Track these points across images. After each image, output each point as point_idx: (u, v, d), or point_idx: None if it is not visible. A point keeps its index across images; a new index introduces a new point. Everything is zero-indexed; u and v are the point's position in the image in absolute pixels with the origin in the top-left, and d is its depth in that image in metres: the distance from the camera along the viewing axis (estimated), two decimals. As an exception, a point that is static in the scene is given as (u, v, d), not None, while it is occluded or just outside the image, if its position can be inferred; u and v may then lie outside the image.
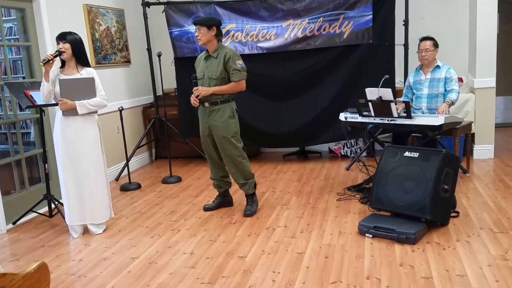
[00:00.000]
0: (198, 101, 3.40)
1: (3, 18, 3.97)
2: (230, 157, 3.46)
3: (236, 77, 3.37)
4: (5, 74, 4.23)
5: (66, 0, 4.29)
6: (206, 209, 3.70)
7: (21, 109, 3.84)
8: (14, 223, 3.63)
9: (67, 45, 3.16)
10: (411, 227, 2.82)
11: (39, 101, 3.45)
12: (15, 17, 4.22)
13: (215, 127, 3.43)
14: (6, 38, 4.20)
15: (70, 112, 3.18)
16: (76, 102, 3.17)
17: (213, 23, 3.35)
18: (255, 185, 3.62)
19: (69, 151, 3.22)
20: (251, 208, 3.55)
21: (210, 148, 3.56)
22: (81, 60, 3.26)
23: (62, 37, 3.18)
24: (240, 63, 3.37)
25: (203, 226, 3.36)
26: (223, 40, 4.88)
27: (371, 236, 2.92)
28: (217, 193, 3.78)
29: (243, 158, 3.50)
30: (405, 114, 3.46)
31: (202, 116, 3.50)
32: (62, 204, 3.43)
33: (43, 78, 3.13)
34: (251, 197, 3.60)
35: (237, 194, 3.99)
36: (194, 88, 3.39)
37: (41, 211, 3.76)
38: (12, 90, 3.59)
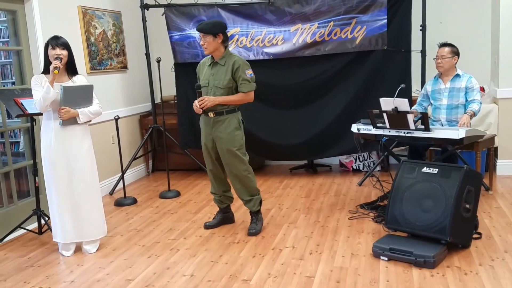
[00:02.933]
0: (201, 110, 3.41)
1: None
2: (235, 171, 3.47)
3: (245, 88, 3.39)
4: (-6, 80, 4.29)
5: (60, 2, 4.35)
6: (207, 226, 3.71)
7: (9, 117, 3.88)
8: (0, 240, 3.65)
9: (65, 52, 3.20)
10: (429, 250, 2.82)
11: (30, 109, 3.48)
12: (5, 18, 4.28)
13: (219, 139, 3.44)
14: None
15: (69, 121, 3.21)
16: (78, 110, 3.21)
17: (218, 30, 3.35)
18: (261, 201, 3.62)
19: (69, 163, 3.23)
20: (256, 226, 3.55)
21: (212, 161, 3.57)
22: (72, 66, 3.30)
23: (59, 42, 3.19)
24: (250, 73, 3.40)
25: (204, 246, 3.37)
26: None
27: (386, 259, 2.91)
28: (218, 209, 3.79)
29: (249, 173, 3.51)
30: (422, 127, 3.47)
31: (205, 127, 3.51)
32: (49, 218, 3.44)
33: (47, 85, 3.08)
34: (256, 215, 3.60)
35: (240, 210, 3.99)
36: (199, 98, 3.38)
37: (30, 227, 3.77)
38: (1, 97, 3.62)
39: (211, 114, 3.44)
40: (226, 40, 3.41)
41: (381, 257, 2.93)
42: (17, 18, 3.95)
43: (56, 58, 3.14)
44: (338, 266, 2.90)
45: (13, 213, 3.83)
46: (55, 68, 3.09)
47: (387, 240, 3.03)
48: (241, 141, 3.47)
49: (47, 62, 3.22)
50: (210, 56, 3.48)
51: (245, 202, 3.58)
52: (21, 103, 3.53)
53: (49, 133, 3.23)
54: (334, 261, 2.97)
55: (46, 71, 3.24)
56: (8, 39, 4.47)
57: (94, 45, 4.82)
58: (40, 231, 3.72)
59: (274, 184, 4.95)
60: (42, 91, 3.09)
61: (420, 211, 3.01)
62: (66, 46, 3.21)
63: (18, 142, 4.91)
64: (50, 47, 3.19)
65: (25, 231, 3.76)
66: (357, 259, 2.97)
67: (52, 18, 4.21)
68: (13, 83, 4.42)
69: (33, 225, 3.78)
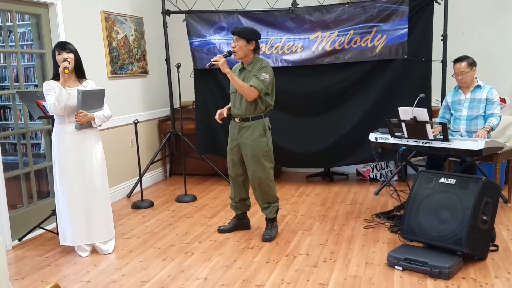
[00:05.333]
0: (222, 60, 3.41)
1: (17, 22, 4.17)
2: (256, 178, 3.51)
3: (253, 82, 3.38)
4: (17, 82, 4.45)
5: (83, 7, 4.50)
6: (221, 230, 3.77)
7: (31, 119, 4.02)
8: (20, 239, 3.77)
9: (72, 55, 3.30)
10: (445, 261, 2.82)
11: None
12: (29, 22, 4.45)
13: (244, 145, 3.49)
14: (19, 44, 4.39)
15: (84, 125, 3.32)
16: (94, 114, 3.33)
17: (253, 37, 3.41)
18: (277, 210, 3.67)
19: (83, 166, 3.34)
20: (271, 232, 3.60)
21: (235, 167, 3.61)
22: (81, 71, 3.41)
23: (64, 47, 3.29)
24: (266, 76, 3.39)
25: (218, 250, 3.43)
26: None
27: (401, 268, 2.93)
28: (233, 215, 3.85)
29: (270, 181, 3.54)
30: (441, 137, 3.48)
31: (232, 132, 3.58)
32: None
33: (59, 87, 3.21)
34: (271, 222, 3.65)
35: (256, 216, 4.05)
36: (217, 57, 3.41)
37: (49, 227, 3.89)
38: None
39: (237, 120, 3.51)
40: (257, 48, 3.48)
41: (396, 267, 2.95)
42: (41, 22, 4.10)
43: (64, 61, 3.24)
44: (352, 274, 2.92)
45: (32, 213, 3.95)
46: (65, 68, 3.19)
47: (403, 250, 3.04)
48: (265, 147, 3.48)
49: (56, 68, 3.31)
50: (240, 62, 3.54)
51: (263, 208, 3.63)
52: (43, 105, 3.65)
53: (64, 136, 3.32)
54: (348, 269, 3.00)
55: (56, 76, 3.34)
56: (31, 42, 4.64)
57: (115, 50, 4.96)
58: (57, 230, 3.83)
59: (290, 191, 4.99)
60: (55, 94, 3.20)
61: (436, 221, 3.01)
62: (72, 50, 3.31)
63: (39, 144, 5.07)
64: (56, 53, 3.29)
65: (44, 230, 3.88)
66: (372, 268, 2.99)
67: (75, 23, 4.36)
68: (35, 86, 4.58)
69: (52, 225, 3.90)
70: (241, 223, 3.82)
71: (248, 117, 3.46)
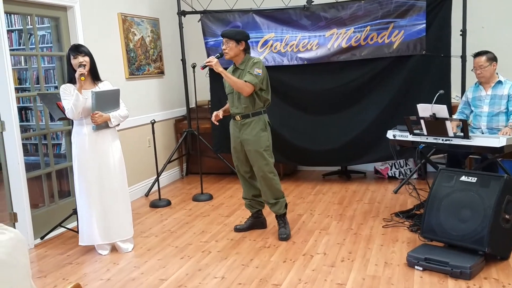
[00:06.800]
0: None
1: (37, 26, 4.23)
2: (261, 173, 3.54)
3: (247, 77, 3.43)
4: (38, 84, 4.52)
5: (101, 9, 4.54)
6: (237, 229, 3.78)
7: (52, 120, 4.08)
8: (42, 237, 3.84)
9: (87, 58, 3.33)
10: (466, 260, 2.76)
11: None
12: (49, 25, 4.51)
13: (247, 141, 3.53)
14: (39, 46, 4.45)
15: (101, 125, 3.35)
16: (109, 114, 3.35)
17: (242, 37, 3.49)
18: (286, 205, 3.67)
19: (101, 166, 3.38)
20: (286, 230, 3.59)
21: (241, 165, 3.66)
22: (96, 73, 3.43)
23: (79, 50, 3.31)
24: (258, 71, 3.44)
25: (235, 249, 3.42)
26: (261, 50, 5.04)
27: (421, 268, 2.88)
28: (250, 214, 3.84)
29: (274, 175, 3.58)
30: (461, 134, 3.41)
31: (234, 131, 3.63)
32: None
33: (76, 92, 3.23)
34: (282, 218, 3.65)
35: (272, 215, 4.01)
36: (209, 58, 3.52)
37: (70, 226, 3.95)
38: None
39: (237, 118, 3.55)
40: (247, 49, 3.56)
41: (416, 267, 2.90)
42: (60, 24, 4.15)
43: (80, 66, 3.26)
44: (371, 274, 2.88)
45: (54, 212, 4.02)
46: (81, 75, 3.22)
47: (423, 250, 2.99)
48: (267, 142, 3.54)
49: (71, 72, 3.34)
50: (232, 64, 3.60)
51: (271, 206, 3.63)
52: (63, 107, 3.70)
53: (82, 138, 3.36)
54: (366, 269, 2.96)
55: (71, 80, 3.36)
56: (51, 45, 4.71)
57: (132, 51, 4.99)
58: (78, 230, 3.88)
59: (306, 189, 4.95)
60: (72, 99, 3.22)
61: (457, 220, 2.95)
62: (87, 53, 3.34)
63: (60, 144, 5.15)
64: (71, 57, 3.30)
65: (65, 229, 3.94)
66: (391, 268, 2.94)
67: (93, 25, 4.41)
68: (56, 87, 4.65)
69: (73, 224, 3.95)
70: (257, 222, 3.81)
71: (248, 113, 3.52)
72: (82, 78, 3.23)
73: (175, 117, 5.82)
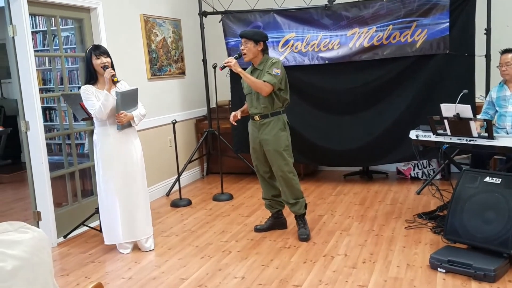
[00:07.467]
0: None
1: (60, 27, 4.31)
2: (280, 173, 3.53)
3: (266, 77, 3.43)
4: (61, 84, 4.62)
5: (123, 11, 4.61)
6: (257, 229, 3.78)
7: (75, 120, 4.16)
8: (65, 236, 3.91)
9: (109, 60, 3.39)
10: (490, 263, 2.71)
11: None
12: (72, 26, 4.60)
13: (266, 141, 3.53)
14: (63, 47, 4.54)
15: (125, 125, 3.40)
16: (133, 113, 3.40)
17: (260, 38, 3.50)
18: (306, 205, 3.66)
19: (125, 165, 3.42)
20: (306, 231, 3.58)
21: (261, 165, 3.66)
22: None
23: (101, 51, 3.36)
24: (277, 71, 3.44)
25: (255, 249, 3.43)
26: (282, 50, 5.03)
27: (444, 271, 2.83)
28: (270, 214, 3.84)
29: (294, 175, 3.57)
30: (486, 134, 3.34)
31: (252, 131, 3.63)
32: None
33: (105, 92, 3.28)
34: (302, 219, 3.64)
35: (292, 216, 4.01)
36: (228, 58, 3.54)
37: (92, 225, 4.01)
38: (69, 101, 3.90)
39: (257, 118, 3.55)
40: (266, 49, 3.56)
41: (439, 269, 2.85)
42: (83, 26, 4.23)
43: (104, 67, 3.31)
44: (393, 276, 2.85)
45: (77, 211, 4.09)
46: (113, 75, 3.28)
47: (446, 252, 2.94)
48: (286, 141, 3.54)
49: (92, 72, 3.37)
50: (250, 65, 3.60)
51: (291, 206, 3.62)
52: (87, 107, 3.77)
53: (107, 138, 3.40)
54: (388, 271, 2.93)
55: (90, 80, 3.39)
56: (75, 46, 4.80)
57: (154, 52, 5.05)
58: (101, 229, 3.94)
59: (327, 190, 4.92)
60: (101, 99, 3.27)
61: (481, 222, 2.90)
62: (108, 53, 3.40)
63: (83, 144, 5.24)
64: (94, 57, 3.34)
65: (87, 228, 4.00)
66: (413, 270, 2.90)
67: (116, 26, 4.47)
68: (79, 88, 4.73)
69: (95, 223, 4.02)
70: (277, 222, 3.81)
71: (267, 113, 3.51)
72: (116, 78, 3.30)
73: (195, 117, 5.87)
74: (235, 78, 5.30)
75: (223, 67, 3.58)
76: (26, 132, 3.71)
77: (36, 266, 1.12)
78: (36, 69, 3.73)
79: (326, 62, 4.95)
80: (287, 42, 5.02)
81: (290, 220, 3.88)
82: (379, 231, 3.63)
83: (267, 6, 5.18)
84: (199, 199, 4.89)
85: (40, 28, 5.84)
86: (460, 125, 3.38)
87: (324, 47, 4.94)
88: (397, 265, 3.00)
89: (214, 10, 5.32)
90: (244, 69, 3.57)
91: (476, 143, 3.36)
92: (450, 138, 3.48)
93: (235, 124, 3.73)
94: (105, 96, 3.27)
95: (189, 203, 4.71)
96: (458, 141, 3.44)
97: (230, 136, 5.42)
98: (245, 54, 3.50)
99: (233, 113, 3.68)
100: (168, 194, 5.12)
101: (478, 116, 4.04)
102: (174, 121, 4.69)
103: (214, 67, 4.72)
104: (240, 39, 3.56)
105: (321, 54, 4.96)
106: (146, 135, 4.67)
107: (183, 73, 5.61)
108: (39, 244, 1.14)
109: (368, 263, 3.07)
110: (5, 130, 6.67)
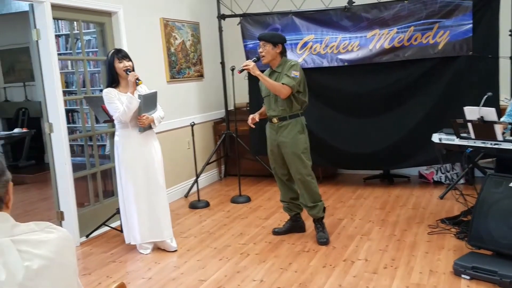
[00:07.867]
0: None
1: (83, 31, 4.37)
2: (299, 176, 3.51)
3: (284, 80, 3.42)
4: (84, 87, 4.68)
5: (143, 15, 4.65)
6: (276, 232, 3.76)
7: (97, 122, 4.21)
8: (87, 236, 3.96)
9: (131, 63, 3.42)
10: (517, 271, 2.63)
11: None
12: (94, 30, 4.67)
13: (284, 143, 3.51)
14: (85, 51, 4.61)
15: (146, 127, 3.43)
16: (153, 116, 3.43)
17: (279, 40, 3.50)
18: (324, 208, 3.63)
19: (147, 167, 3.46)
20: (324, 235, 3.55)
21: (278, 167, 3.65)
22: None
23: (124, 54, 3.41)
24: (295, 73, 3.42)
25: (273, 252, 3.41)
26: (300, 52, 5.01)
27: (468, 277, 2.76)
28: (288, 217, 3.82)
29: (312, 178, 3.55)
30: (511, 138, 3.25)
31: (270, 133, 3.62)
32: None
33: (129, 95, 3.30)
34: (320, 222, 3.62)
35: (311, 219, 3.98)
36: (246, 61, 3.58)
37: (114, 225, 4.06)
38: (91, 104, 3.96)
39: (275, 120, 3.54)
40: (284, 52, 3.54)
41: (463, 276, 2.79)
42: (105, 29, 4.28)
43: (127, 71, 3.34)
44: (415, 283, 2.79)
45: (98, 211, 4.14)
46: (137, 79, 3.32)
47: (470, 258, 2.87)
48: (304, 144, 3.52)
49: (115, 75, 3.40)
50: (268, 68, 3.59)
51: (309, 209, 3.59)
52: (108, 110, 3.81)
53: (129, 140, 3.44)
54: (410, 277, 2.87)
55: (112, 83, 3.41)
56: (96, 49, 4.87)
57: (173, 55, 5.08)
58: (122, 229, 3.97)
59: (347, 193, 4.87)
60: (125, 102, 3.30)
61: (506, 228, 2.82)
62: (129, 57, 3.44)
63: (105, 145, 5.31)
64: (117, 60, 3.37)
65: (109, 228, 4.05)
66: (436, 277, 2.84)
67: (136, 30, 4.52)
68: (101, 91, 4.80)
69: (116, 223, 4.06)
70: (296, 226, 3.78)
71: (285, 116, 3.50)
72: (140, 82, 3.34)
73: (214, 120, 5.88)
74: (253, 81, 5.29)
75: (241, 70, 3.58)
76: (49, 134, 3.78)
77: (61, 266, 1.14)
78: (59, 72, 3.78)
79: (346, 64, 4.90)
80: (305, 44, 4.99)
81: (309, 223, 3.85)
82: (401, 236, 3.57)
83: (285, 8, 5.16)
84: (217, 201, 4.89)
85: (62, 31, 5.95)
86: (484, 129, 3.30)
87: (344, 49, 4.90)
88: (420, 271, 2.95)
89: (233, 13, 5.33)
90: (262, 71, 3.56)
91: (501, 147, 3.27)
92: (474, 142, 3.40)
93: (253, 126, 3.71)
94: (129, 99, 3.30)
95: (207, 205, 4.72)
96: (483, 145, 3.36)
97: (248, 138, 5.41)
98: (263, 56, 3.50)
99: (251, 116, 3.67)
100: (186, 196, 5.14)
101: (502, 119, 3.94)
102: (192, 123, 4.71)
103: (232, 70, 4.73)
104: (259, 41, 3.55)
105: (340, 56, 4.92)
106: (165, 137, 4.69)
107: (201, 75, 5.63)
108: (64, 244, 1.16)
109: (389, 268, 3.02)
110: (29, 132, 6.81)
